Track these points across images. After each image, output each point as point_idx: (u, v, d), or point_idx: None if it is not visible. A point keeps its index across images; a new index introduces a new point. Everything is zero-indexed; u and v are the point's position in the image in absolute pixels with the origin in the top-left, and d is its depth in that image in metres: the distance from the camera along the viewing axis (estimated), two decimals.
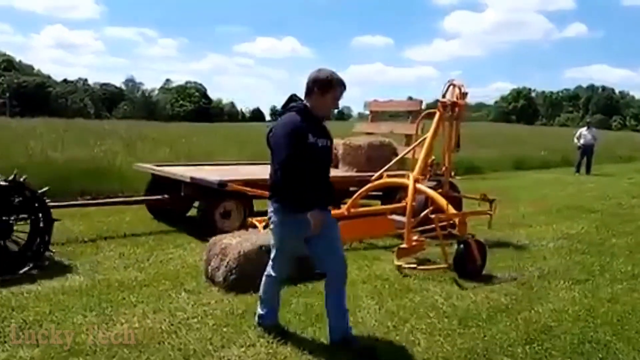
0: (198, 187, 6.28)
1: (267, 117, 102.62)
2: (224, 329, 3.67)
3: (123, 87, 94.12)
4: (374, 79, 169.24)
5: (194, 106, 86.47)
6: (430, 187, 6.00)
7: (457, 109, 6.25)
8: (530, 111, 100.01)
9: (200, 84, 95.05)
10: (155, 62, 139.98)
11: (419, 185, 5.54)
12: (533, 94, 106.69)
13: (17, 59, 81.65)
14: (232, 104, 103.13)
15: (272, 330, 3.59)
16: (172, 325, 3.70)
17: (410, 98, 7.28)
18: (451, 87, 6.33)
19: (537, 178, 15.26)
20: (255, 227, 5.25)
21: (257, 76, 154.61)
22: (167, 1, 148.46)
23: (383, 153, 7.69)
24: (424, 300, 4.41)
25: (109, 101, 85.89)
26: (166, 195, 6.97)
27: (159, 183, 7.23)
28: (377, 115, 8.98)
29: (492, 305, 4.34)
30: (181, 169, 7.32)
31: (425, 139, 6.35)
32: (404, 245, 5.31)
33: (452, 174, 6.77)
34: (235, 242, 4.66)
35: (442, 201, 5.30)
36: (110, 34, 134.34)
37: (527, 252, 6.20)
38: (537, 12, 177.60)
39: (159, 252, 5.68)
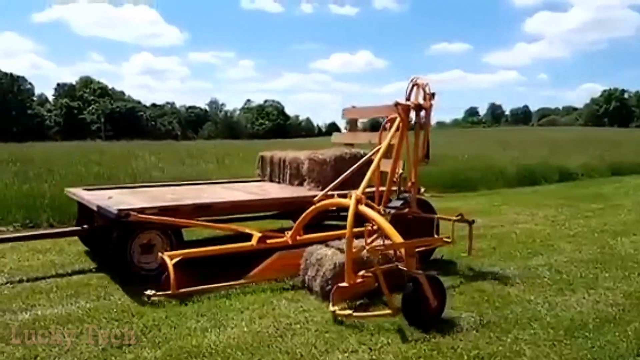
0: (107, 217, 5.17)
1: (343, 130, 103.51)
2: (326, 335, 3.79)
3: (207, 108, 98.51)
4: (452, 87, 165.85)
5: (272, 124, 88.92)
6: (395, 207, 5.42)
7: (422, 113, 5.47)
8: (624, 113, 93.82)
9: (278, 102, 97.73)
10: (235, 84, 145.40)
11: (362, 208, 4.45)
12: (626, 95, 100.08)
13: (110, 86, 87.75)
14: (309, 120, 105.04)
15: (374, 336, 3.67)
16: (277, 330, 3.88)
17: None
18: (415, 87, 5.50)
19: (637, 184, 14.31)
20: None
21: (333, 92, 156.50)
22: (244, 24, 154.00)
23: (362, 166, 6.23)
24: (526, 311, 4.31)
25: (195, 123, 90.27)
26: (85, 226, 6.10)
27: (86, 211, 6.01)
28: (355, 124, 7.82)
29: (599, 316, 4.17)
30: (93, 194, 6.17)
31: (378, 149, 5.46)
32: (343, 284, 4.29)
33: (421, 190, 5.97)
34: (331, 253, 4.77)
35: (388, 227, 4.25)
36: (193, 58, 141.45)
37: (631, 260, 5.88)
38: (628, 8, 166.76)
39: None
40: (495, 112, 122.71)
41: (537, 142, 23.97)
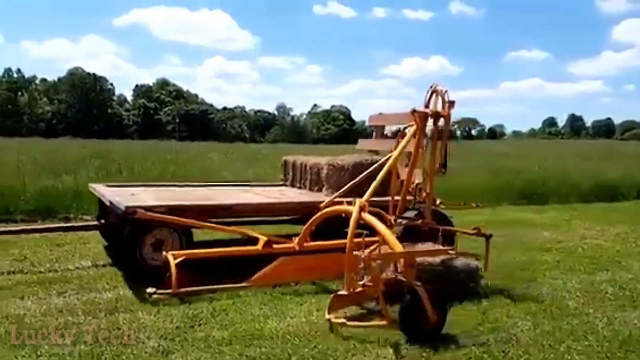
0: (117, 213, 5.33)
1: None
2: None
3: (275, 112, 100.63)
4: (530, 96, 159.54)
5: (338, 129, 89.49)
6: (408, 218, 5.34)
7: (441, 122, 5.35)
8: None
9: (345, 107, 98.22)
10: (304, 88, 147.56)
11: (365, 215, 4.27)
12: None
13: (185, 89, 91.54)
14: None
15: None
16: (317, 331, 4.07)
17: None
18: (434, 94, 5.37)
19: None
20: None
21: (403, 97, 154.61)
22: (315, 30, 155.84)
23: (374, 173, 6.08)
24: (583, 323, 4.31)
25: (262, 126, 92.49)
26: (102, 221, 6.36)
27: (104, 206, 6.19)
28: (382, 130, 7.66)
29: None
30: (114, 191, 6.37)
31: (389, 157, 5.33)
32: (342, 292, 4.20)
33: (437, 201, 5.76)
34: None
35: (389, 236, 4.10)
36: (264, 63, 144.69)
37: None
38: None
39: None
40: (576, 124, 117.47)
41: (618, 156, 22.91)
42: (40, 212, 8.76)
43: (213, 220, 5.52)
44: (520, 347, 3.78)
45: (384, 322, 3.80)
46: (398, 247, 4.00)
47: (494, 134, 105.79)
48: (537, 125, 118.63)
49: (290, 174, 7.68)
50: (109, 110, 79.38)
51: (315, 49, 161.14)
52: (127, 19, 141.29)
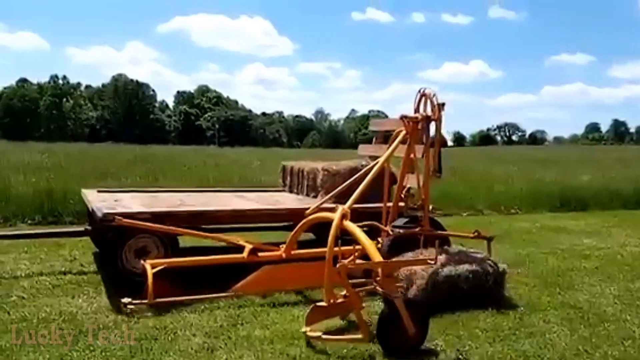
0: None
1: (450, 143, 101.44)
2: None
3: (313, 118, 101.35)
4: (572, 100, 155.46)
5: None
6: (402, 226, 5.25)
7: (431, 125, 5.21)
8: None
9: (382, 112, 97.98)
10: (341, 94, 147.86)
11: (346, 223, 4.07)
12: None
13: (225, 95, 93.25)
14: None
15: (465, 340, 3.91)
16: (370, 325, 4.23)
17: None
18: (422, 98, 5.25)
19: None
20: None
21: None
22: (354, 35, 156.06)
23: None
24: (620, 329, 4.30)
25: (300, 131, 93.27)
26: (88, 227, 6.20)
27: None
28: (382, 135, 7.14)
29: None
30: (101, 197, 6.35)
31: (377, 163, 5.18)
32: (322, 304, 4.02)
33: (430, 207, 5.58)
34: (420, 268, 4.68)
35: (369, 245, 3.91)
36: (302, 69, 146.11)
37: None
38: None
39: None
40: (619, 130, 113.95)
41: None
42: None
43: (203, 227, 5.46)
44: (556, 352, 3.82)
45: (359, 336, 3.69)
46: (377, 257, 3.84)
47: (535, 139, 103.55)
48: (580, 131, 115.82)
49: (289, 179, 7.60)
50: (151, 116, 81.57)
51: (354, 54, 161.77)
52: (169, 26, 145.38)
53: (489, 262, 4.99)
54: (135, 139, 55.71)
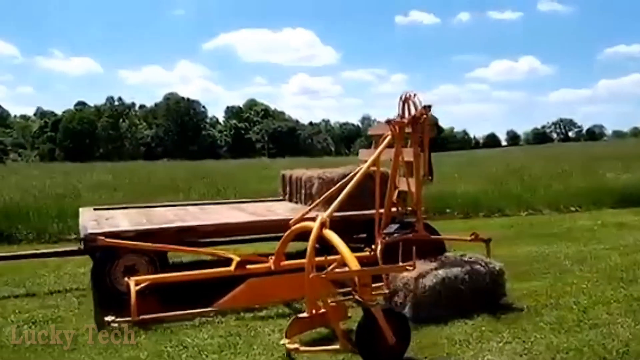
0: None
1: (503, 143, 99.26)
2: (482, 328, 4.29)
3: (359, 124, 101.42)
4: (632, 93, 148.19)
5: None
6: (395, 232, 5.14)
7: (419, 127, 5.13)
8: None
9: (432, 115, 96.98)
10: (387, 98, 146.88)
11: (326, 232, 4.00)
12: None
13: (272, 107, 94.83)
14: (465, 132, 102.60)
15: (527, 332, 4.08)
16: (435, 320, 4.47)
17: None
18: (406, 102, 5.22)
19: None
20: None
21: (492, 101, 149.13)
22: (398, 39, 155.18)
23: (368, 186, 5.58)
24: None
25: (347, 139, 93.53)
26: (81, 247, 5.83)
27: None
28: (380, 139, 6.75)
29: None
30: (94, 214, 6.40)
31: (360, 169, 5.10)
32: (303, 315, 3.96)
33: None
34: (417, 275, 4.61)
35: (347, 254, 3.80)
36: (346, 77, 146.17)
37: None
38: None
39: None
40: None
41: None
42: None
43: (200, 241, 5.53)
44: (621, 342, 3.94)
45: (337, 347, 3.67)
46: (354, 265, 3.75)
47: (593, 135, 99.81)
48: None
49: (288, 188, 7.52)
50: (203, 132, 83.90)
51: (399, 58, 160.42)
52: (215, 43, 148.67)
53: (482, 263, 4.96)
54: (189, 155, 57.57)
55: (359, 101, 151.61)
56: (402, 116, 5.24)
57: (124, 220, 6.04)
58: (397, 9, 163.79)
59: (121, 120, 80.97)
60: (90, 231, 5.13)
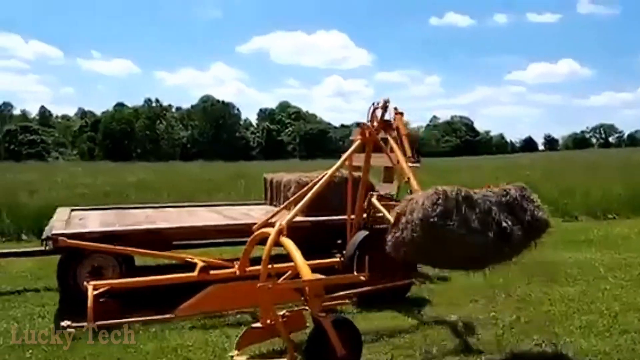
0: None
1: (541, 147, 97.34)
2: (512, 330, 4.42)
3: None
4: None
5: (460, 140, 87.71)
6: (362, 240, 4.98)
7: (392, 131, 5.10)
8: None
9: (467, 118, 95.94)
10: (421, 100, 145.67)
11: (283, 239, 3.83)
12: None
13: (304, 109, 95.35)
14: (501, 136, 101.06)
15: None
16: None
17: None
18: (376, 111, 5.14)
19: None
20: None
21: (529, 104, 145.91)
22: (432, 41, 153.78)
23: (345, 192, 5.46)
24: None
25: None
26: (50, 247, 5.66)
27: None
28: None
29: None
30: (65, 215, 6.27)
31: (324, 175, 4.91)
32: (257, 325, 3.82)
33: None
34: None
35: (300, 262, 3.63)
36: (379, 79, 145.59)
37: None
38: None
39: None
40: None
41: None
42: None
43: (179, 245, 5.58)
44: None
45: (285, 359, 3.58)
46: (306, 275, 3.58)
47: (634, 140, 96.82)
48: None
49: (269, 192, 7.46)
50: (236, 134, 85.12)
51: (433, 60, 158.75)
52: (249, 46, 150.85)
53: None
54: (222, 156, 58.50)
55: (392, 103, 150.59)
56: (372, 120, 5.17)
57: (95, 221, 6.00)
58: (431, 11, 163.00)
59: (158, 121, 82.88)
60: (53, 232, 5.08)
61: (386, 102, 5.14)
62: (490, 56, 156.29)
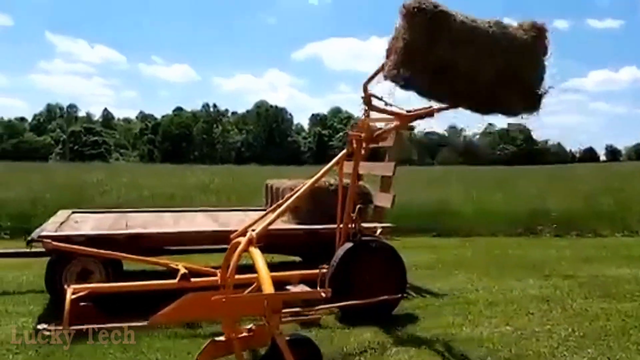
0: None
1: (602, 158, 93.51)
2: (569, 340, 4.50)
3: (446, 134, 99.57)
4: None
5: (517, 149, 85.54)
6: (345, 251, 4.81)
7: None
8: None
9: (524, 126, 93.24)
10: None
11: (252, 249, 3.72)
12: None
13: (356, 115, 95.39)
14: (560, 145, 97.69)
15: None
16: (521, 334, 4.71)
17: None
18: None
19: None
20: None
21: (589, 113, 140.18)
22: None
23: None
24: None
25: (432, 148, 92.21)
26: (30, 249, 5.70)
27: None
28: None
29: None
30: (63, 217, 6.35)
31: (303, 185, 4.81)
32: (220, 338, 3.59)
33: (378, 231, 5.27)
34: None
35: (264, 275, 3.48)
36: None
37: None
38: None
39: (502, 282, 6.71)
40: None
41: None
42: None
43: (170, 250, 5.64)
44: None
45: None
46: (268, 289, 3.40)
47: None
48: None
49: (269, 198, 7.37)
50: (289, 139, 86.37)
51: None
52: (303, 52, 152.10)
53: None
54: (275, 160, 59.50)
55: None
56: (361, 130, 5.05)
57: (88, 225, 6.04)
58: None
59: (215, 125, 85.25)
60: (40, 234, 5.20)
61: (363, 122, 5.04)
62: (549, 63, 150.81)
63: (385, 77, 4.18)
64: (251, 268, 3.77)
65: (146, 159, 77.05)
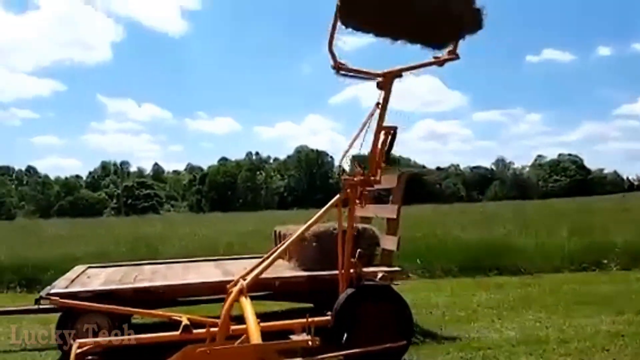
0: None
1: None
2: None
3: (493, 167, 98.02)
4: None
5: (570, 180, 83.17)
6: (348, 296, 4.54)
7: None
8: None
9: (576, 156, 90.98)
10: (523, 139, 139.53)
11: (243, 300, 3.72)
12: None
13: (397, 154, 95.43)
14: (616, 173, 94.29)
15: None
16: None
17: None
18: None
19: None
20: None
21: None
22: (531, 78, 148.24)
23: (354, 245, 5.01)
24: None
25: (479, 183, 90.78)
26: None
27: None
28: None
29: None
30: (77, 272, 6.43)
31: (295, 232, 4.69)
32: None
33: (378, 275, 4.99)
34: None
35: (252, 326, 3.48)
36: (476, 119, 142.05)
37: None
38: None
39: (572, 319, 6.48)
40: None
41: None
42: None
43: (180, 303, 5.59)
44: None
45: None
46: (255, 339, 3.42)
47: None
48: None
49: (277, 245, 6.91)
50: (330, 181, 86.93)
51: (533, 97, 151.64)
52: (341, 97, 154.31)
53: None
54: (317, 203, 59.77)
55: (491, 143, 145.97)
56: (355, 174, 4.80)
57: (99, 279, 6.08)
58: (527, 49, 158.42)
59: (258, 172, 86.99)
60: (47, 292, 5.31)
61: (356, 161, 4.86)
62: (595, 90, 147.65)
63: (342, 23, 4.34)
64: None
65: (195, 208, 78.98)
